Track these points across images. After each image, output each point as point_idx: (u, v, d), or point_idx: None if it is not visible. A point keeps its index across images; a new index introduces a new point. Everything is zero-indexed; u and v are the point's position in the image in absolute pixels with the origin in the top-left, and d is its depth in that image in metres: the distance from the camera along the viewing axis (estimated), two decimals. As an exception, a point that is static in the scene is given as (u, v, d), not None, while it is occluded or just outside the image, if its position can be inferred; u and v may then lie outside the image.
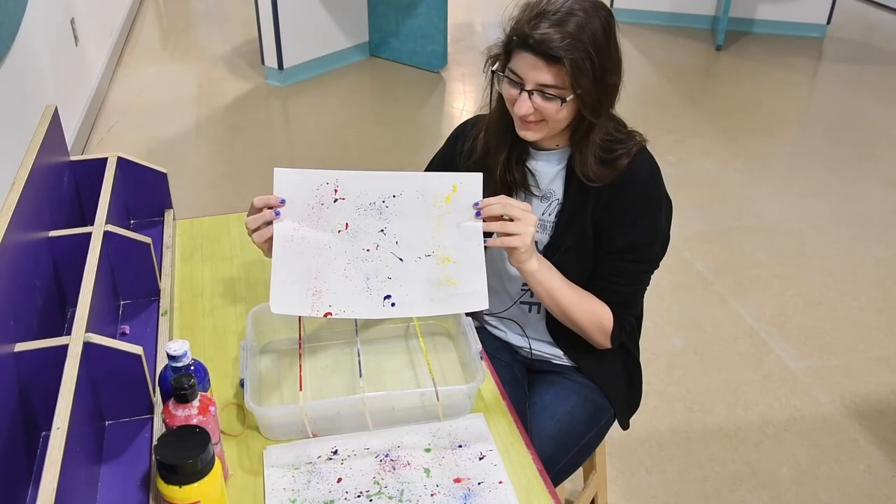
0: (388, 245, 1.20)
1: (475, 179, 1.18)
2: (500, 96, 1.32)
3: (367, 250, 1.20)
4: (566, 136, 1.31)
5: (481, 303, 1.19)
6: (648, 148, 1.32)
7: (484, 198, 1.18)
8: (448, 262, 1.20)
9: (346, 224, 1.20)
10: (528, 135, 1.27)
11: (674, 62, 4.86)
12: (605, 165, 1.28)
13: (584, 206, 1.32)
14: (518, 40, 1.21)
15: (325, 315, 1.19)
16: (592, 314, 1.33)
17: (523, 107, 1.22)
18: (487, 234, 1.20)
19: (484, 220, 1.18)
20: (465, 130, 1.46)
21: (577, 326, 1.34)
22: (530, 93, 1.21)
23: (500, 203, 1.18)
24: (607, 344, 1.37)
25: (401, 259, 1.20)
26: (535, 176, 1.36)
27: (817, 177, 3.54)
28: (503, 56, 1.26)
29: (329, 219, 1.20)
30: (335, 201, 1.20)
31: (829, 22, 5.17)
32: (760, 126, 4.03)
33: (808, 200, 3.35)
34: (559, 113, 1.23)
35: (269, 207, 1.19)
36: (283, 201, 1.19)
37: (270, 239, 1.19)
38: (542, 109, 1.23)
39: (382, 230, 1.20)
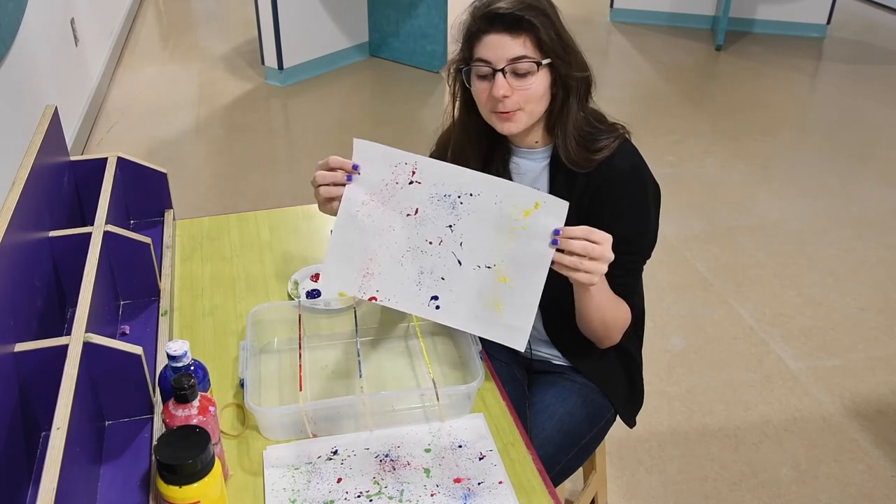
0: (452, 244, 1.16)
1: (561, 206, 1.10)
2: (463, 109, 1.34)
3: (430, 242, 1.17)
4: (542, 128, 1.32)
5: (519, 343, 1.13)
6: (633, 141, 1.33)
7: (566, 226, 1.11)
8: (505, 282, 1.14)
9: (416, 209, 1.16)
10: (510, 126, 1.27)
11: (674, 62, 4.85)
12: (588, 151, 1.29)
13: (570, 200, 1.32)
14: (479, 24, 1.23)
15: (370, 299, 1.17)
16: (624, 321, 1.32)
17: (501, 87, 1.22)
18: None
19: (557, 251, 1.10)
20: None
21: (606, 332, 1.32)
22: (503, 72, 1.22)
23: (583, 240, 1.08)
24: (619, 339, 1.36)
25: (460, 262, 1.16)
26: (519, 175, 1.37)
27: (817, 177, 3.54)
28: (467, 53, 1.27)
29: (400, 199, 1.16)
30: (410, 183, 1.16)
31: (829, 22, 5.17)
32: (760, 126, 4.03)
33: (808, 200, 3.35)
34: (533, 88, 1.23)
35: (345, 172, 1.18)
36: (355, 167, 1.16)
37: (332, 199, 1.19)
38: (517, 89, 1.23)
39: (451, 226, 1.16)
